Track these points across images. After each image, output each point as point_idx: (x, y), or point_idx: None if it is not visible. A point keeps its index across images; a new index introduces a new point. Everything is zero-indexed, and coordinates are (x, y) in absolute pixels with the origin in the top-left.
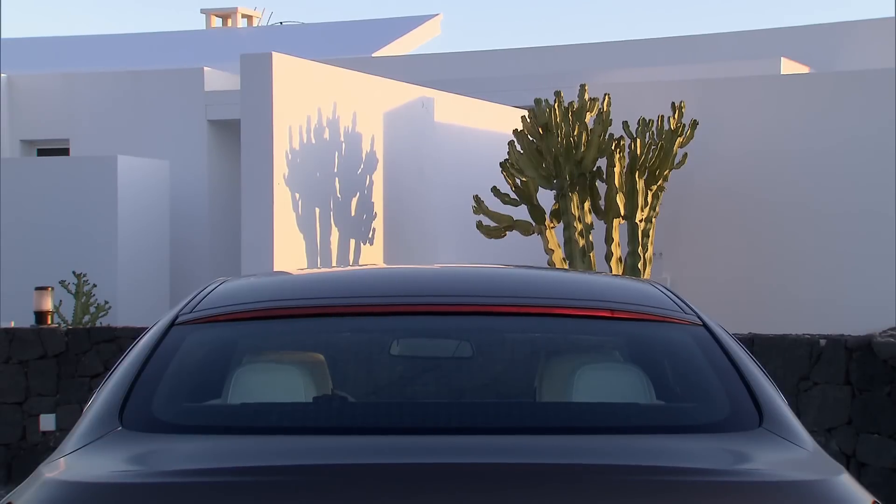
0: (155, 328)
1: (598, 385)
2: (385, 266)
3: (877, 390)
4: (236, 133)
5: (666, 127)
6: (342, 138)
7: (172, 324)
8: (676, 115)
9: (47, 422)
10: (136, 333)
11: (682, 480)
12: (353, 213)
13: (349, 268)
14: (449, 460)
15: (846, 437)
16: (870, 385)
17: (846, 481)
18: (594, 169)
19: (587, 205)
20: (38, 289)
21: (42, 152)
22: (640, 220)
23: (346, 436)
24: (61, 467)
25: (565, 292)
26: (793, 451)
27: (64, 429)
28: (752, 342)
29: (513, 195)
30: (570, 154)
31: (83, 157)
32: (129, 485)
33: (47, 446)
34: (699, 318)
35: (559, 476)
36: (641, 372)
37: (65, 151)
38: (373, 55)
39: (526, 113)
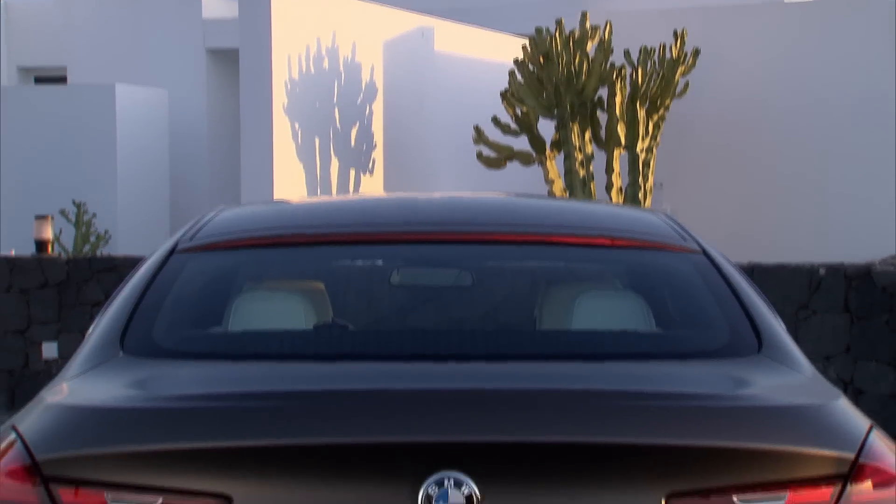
0: (155, 256)
1: (598, 313)
2: (386, 195)
3: (875, 318)
4: (235, 62)
5: (667, 56)
6: (341, 68)
7: (172, 251)
8: (678, 44)
9: (49, 349)
10: (136, 263)
11: (681, 405)
12: (352, 144)
13: (350, 196)
14: (449, 385)
15: (844, 365)
16: (868, 313)
17: (844, 406)
18: (595, 98)
19: (588, 135)
20: (38, 217)
21: (39, 80)
22: (641, 150)
23: (347, 362)
24: (63, 392)
25: (565, 220)
26: (791, 377)
27: (66, 357)
28: (752, 271)
29: (513, 125)
30: (570, 83)
31: (81, 86)
32: (131, 409)
33: (49, 374)
34: (699, 245)
35: (557, 401)
36: (641, 300)
37: (62, 80)
38: None
39: (527, 42)
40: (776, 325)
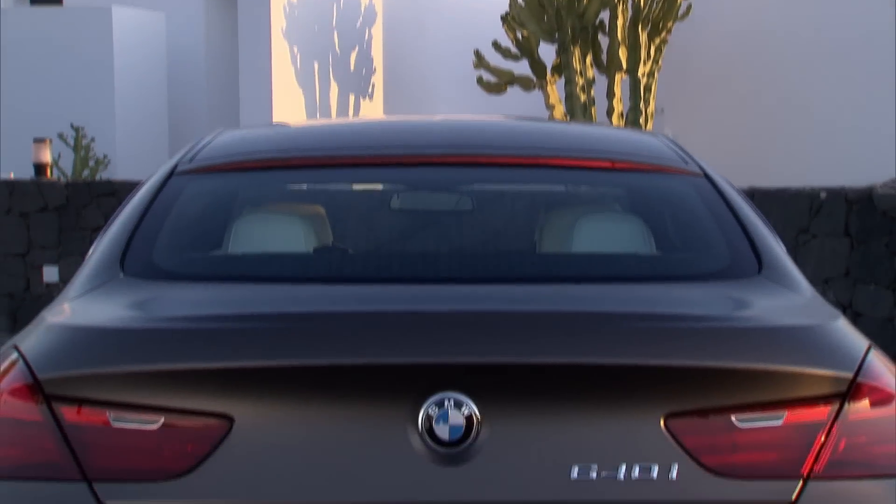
0: (154, 178)
1: (599, 236)
2: (386, 118)
3: (875, 242)
4: None
5: None
6: None
7: (172, 173)
8: None
9: (50, 273)
10: (135, 187)
11: (679, 327)
12: (352, 68)
13: (350, 119)
14: (449, 307)
15: (843, 289)
16: (868, 237)
17: (843, 326)
18: (596, 22)
19: (589, 59)
20: (36, 140)
21: (35, 1)
22: (643, 75)
23: (347, 285)
24: (64, 312)
25: (566, 143)
26: (791, 298)
27: (66, 281)
28: (753, 195)
29: (514, 50)
30: (571, 6)
31: (77, 8)
32: (133, 329)
33: (51, 297)
34: (701, 168)
35: (557, 323)
36: (642, 222)
37: (58, 1)
38: None
39: None
40: (776, 248)
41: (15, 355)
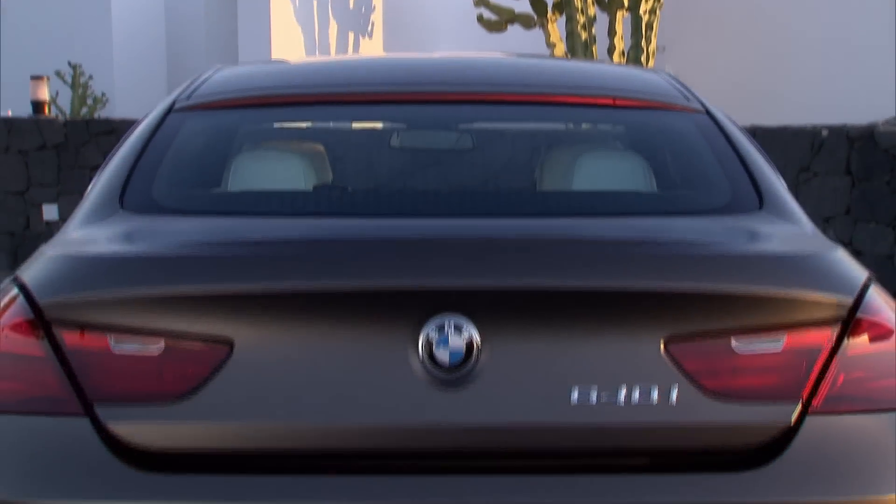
0: (152, 114)
1: (599, 174)
2: (386, 55)
3: (876, 179)
4: None
5: None
6: None
7: (170, 110)
8: None
9: (50, 211)
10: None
11: (679, 252)
12: (351, 6)
13: (349, 56)
14: (450, 233)
15: (843, 227)
16: (870, 175)
17: (844, 256)
18: None
19: None
20: (33, 78)
21: None
22: (644, 12)
23: (347, 219)
24: (65, 244)
25: (567, 80)
26: (792, 231)
27: (66, 219)
28: (755, 134)
29: None
30: None
31: None
32: (134, 256)
33: (51, 235)
34: (702, 105)
35: (557, 248)
36: (643, 160)
37: None
38: None
39: None
40: (778, 184)
41: (15, 290)
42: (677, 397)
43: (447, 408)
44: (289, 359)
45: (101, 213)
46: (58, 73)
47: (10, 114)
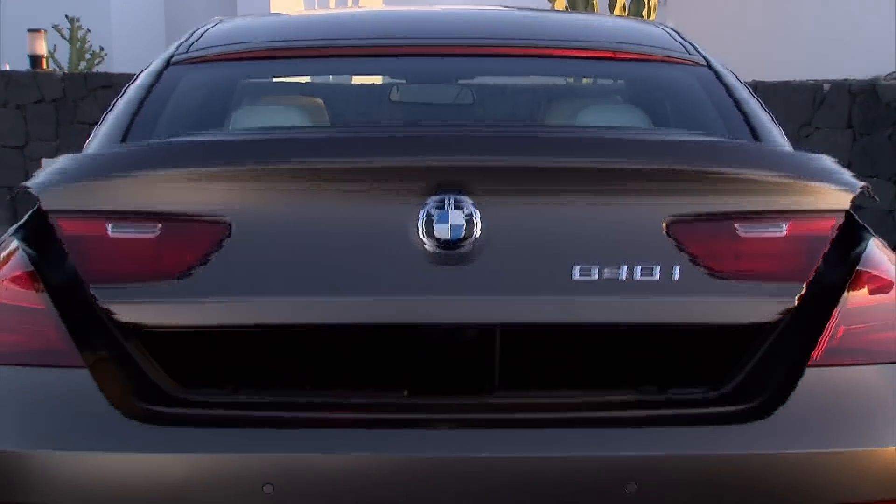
0: (151, 67)
1: (599, 126)
2: (386, 8)
3: (878, 133)
4: None
5: None
6: None
7: (168, 63)
8: None
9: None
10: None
11: (683, 139)
12: None
13: (349, 9)
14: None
15: None
16: (871, 129)
17: (840, 166)
18: None
19: None
20: (31, 31)
21: None
22: None
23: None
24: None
25: (567, 33)
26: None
27: None
28: (756, 88)
29: None
30: None
31: None
32: (129, 150)
33: None
34: (704, 58)
35: (559, 129)
36: (643, 113)
37: None
38: None
39: None
40: (779, 137)
41: (15, 243)
42: (680, 275)
43: (447, 283)
44: (288, 236)
45: None
46: (55, 27)
47: (7, 67)
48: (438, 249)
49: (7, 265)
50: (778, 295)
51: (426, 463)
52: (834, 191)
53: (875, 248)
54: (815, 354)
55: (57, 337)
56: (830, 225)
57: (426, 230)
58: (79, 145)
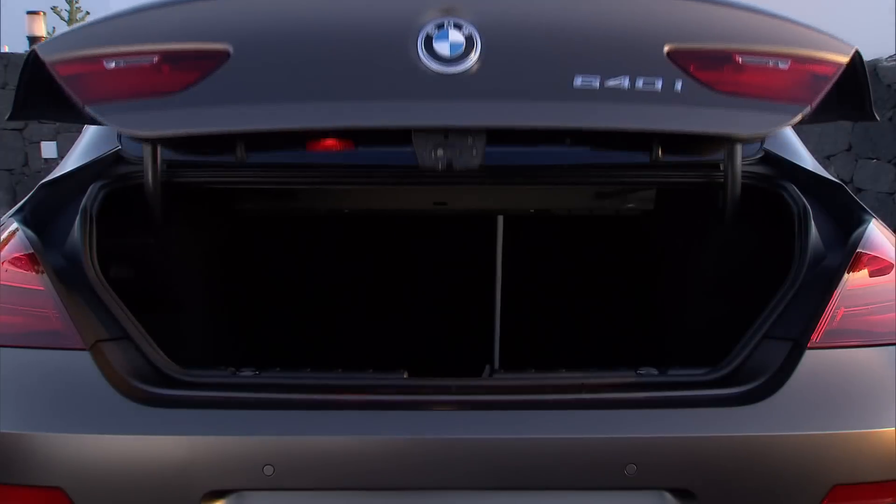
0: None
1: None
2: None
3: (879, 116)
4: None
5: None
6: None
7: None
8: None
9: (48, 149)
10: None
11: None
12: None
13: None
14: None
15: (845, 164)
16: None
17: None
18: None
19: None
20: (29, 13)
21: None
22: None
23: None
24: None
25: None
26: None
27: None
28: None
29: None
30: None
31: None
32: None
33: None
34: None
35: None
36: None
37: None
38: None
39: None
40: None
41: (14, 225)
42: (682, 88)
43: (445, 90)
44: (289, 54)
45: (99, 149)
46: (54, 9)
47: (6, 49)
48: (438, 65)
49: (7, 247)
50: (782, 111)
51: (426, 444)
52: (836, 44)
53: (875, 230)
54: (815, 336)
55: (57, 318)
56: (832, 70)
57: (426, 48)
58: (78, 128)
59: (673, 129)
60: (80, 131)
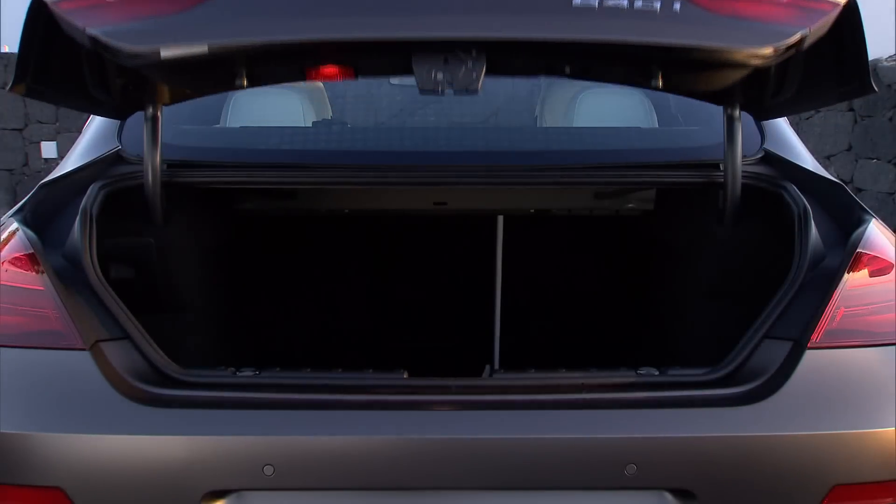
0: None
1: (600, 112)
2: None
3: (879, 116)
4: None
5: None
6: None
7: None
8: None
9: (48, 149)
10: None
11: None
12: None
13: None
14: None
15: (845, 164)
16: (872, 111)
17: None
18: None
19: None
20: None
21: None
22: None
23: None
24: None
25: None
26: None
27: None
28: None
29: None
30: None
31: None
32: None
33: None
34: None
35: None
36: (644, 97)
37: None
38: None
39: None
40: (780, 120)
41: (15, 225)
42: (681, 8)
43: (448, 4)
44: None
45: (99, 149)
46: None
47: (6, 49)
48: None
49: (7, 247)
50: (780, 31)
51: (426, 444)
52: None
53: (875, 230)
54: (815, 336)
55: (57, 318)
56: (830, 7)
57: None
58: (78, 128)
59: (672, 43)
60: (80, 131)
